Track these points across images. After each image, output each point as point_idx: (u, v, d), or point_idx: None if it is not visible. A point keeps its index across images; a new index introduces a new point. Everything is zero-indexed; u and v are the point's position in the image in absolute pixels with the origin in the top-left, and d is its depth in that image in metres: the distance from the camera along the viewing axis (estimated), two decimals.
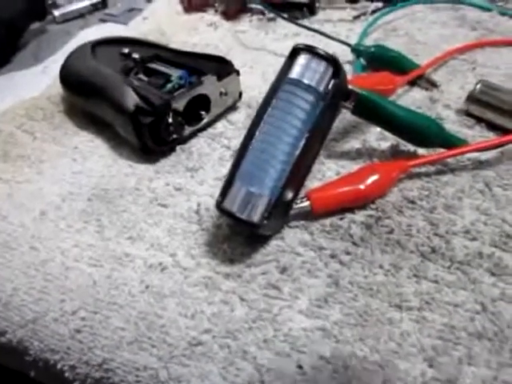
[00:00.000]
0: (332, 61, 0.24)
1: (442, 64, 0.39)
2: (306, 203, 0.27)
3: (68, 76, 0.39)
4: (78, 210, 0.32)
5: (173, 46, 0.47)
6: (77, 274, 0.27)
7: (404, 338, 0.22)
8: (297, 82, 0.24)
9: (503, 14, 0.45)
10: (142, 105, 0.33)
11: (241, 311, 0.24)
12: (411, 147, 0.31)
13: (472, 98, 0.33)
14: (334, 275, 0.25)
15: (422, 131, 0.28)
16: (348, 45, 0.41)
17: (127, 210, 0.31)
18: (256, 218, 0.24)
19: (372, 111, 0.28)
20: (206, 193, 0.31)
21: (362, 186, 0.27)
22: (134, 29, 0.52)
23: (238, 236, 0.28)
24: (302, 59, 0.24)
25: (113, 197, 0.32)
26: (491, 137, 0.32)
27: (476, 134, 0.32)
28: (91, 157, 0.36)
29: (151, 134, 0.33)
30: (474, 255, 0.25)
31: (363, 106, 0.28)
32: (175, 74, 0.36)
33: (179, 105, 0.34)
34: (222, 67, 0.37)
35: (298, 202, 0.27)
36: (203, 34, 0.51)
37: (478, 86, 0.32)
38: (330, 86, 0.24)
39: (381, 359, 0.21)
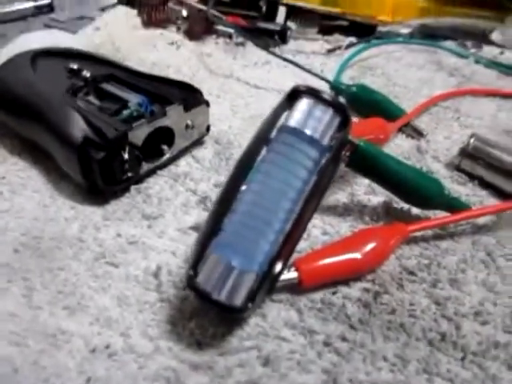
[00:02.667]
0: (340, 108, 0.19)
1: (424, 111, 0.37)
2: (294, 275, 0.22)
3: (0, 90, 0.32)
4: None
5: (129, 63, 0.42)
6: None
7: None
8: (297, 133, 0.19)
9: (477, 62, 0.43)
10: (92, 136, 0.27)
11: None
12: (404, 205, 0.28)
13: (465, 153, 0.30)
14: (330, 370, 0.20)
15: (425, 192, 0.25)
16: (327, 81, 0.38)
17: (66, 269, 0.24)
18: (239, 300, 0.19)
19: (370, 165, 0.24)
20: (166, 248, 0.26)
21: (358, 256, 0.23)
22: (83, 39, 0.46)
23: (208, 311, 0.22)
24: (303, 104, 0.20)
25: (47, 248, 0.26)
26: (484, 195, 0.29)
27: (469, 193, 0.29)
28: (23, 191, 0.29)
29: (102, 171, 0.27)
30: (487, 344, 0.21)
31: (361, 158, 0.24)
32: (133, 99, 0.30)
33: (137, 138, 0.28)
34: (190, 96, 0.31)
35: (285, 272, 0.22)
36: (163, 52, 0.45)
37: (472, 141, 0.30)
38: (336, 139, 0.20)
39: None
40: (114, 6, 0.55)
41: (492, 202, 0.29)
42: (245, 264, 0.19)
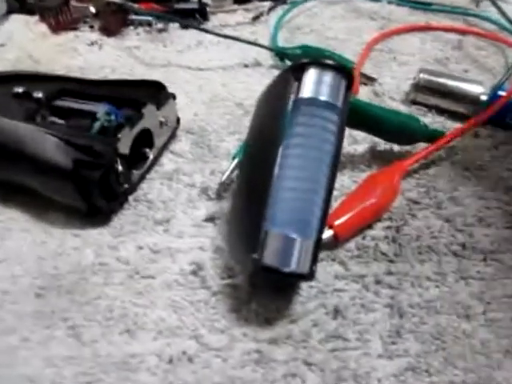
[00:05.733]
0: (344, 71, 0.21)
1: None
2: (330, 232, 0.24)
3: None
4: (26, 313, 0.23)
5: (56, 73, 0.39)
6: None
7: (487, 347, 0.21)
8: (314, 101, 0.20)
9: (390, 2, 0.47)
10: (82, 157, 0.25)
11: (314, 380, 0.20)
12: (386, 145, 0.30)
13: (418, 87, 0.34)
14: (391, 303, 0.23)
15: (409, 130, 0.28)
16: (269, 49, 0.39)
17: (103, 296, 0.24)
18: (306, 267, 0.20)
19: (361, 117, 0.26)
20: (191, 246, 0.26)
21: (375, 200, 0.25)
22: None
23: (261, 289, 0.23)
24: (312, 74, 0.21)
25: (72, 283, 0.24)
26: (443, 121, 0.33)
27: (431, 121, 0.33)
28: (11, 234, 0.27)
29: (101, 190, 0.26)
30: (498, 242, 0.25)
31: (353, 112, 0.25)
32: (99, 109, 0.29)
33: (124, 147, 0.27)
34: (157, 93, 0.31)
35: None
36: (87, 55, 0.43)
37: (422, 75, 0.33)
38: (346, 99, 0.21)
39: (478, 378, 0.20)
40: (4, 16, 0.50)
41: (451, 124, 0.33)
42: (303, 234, 0.20)
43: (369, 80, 0.36)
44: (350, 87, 0.21)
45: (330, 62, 0.21)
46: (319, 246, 0.21)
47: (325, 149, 0.20)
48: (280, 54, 0.38)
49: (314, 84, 0.21)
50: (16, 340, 0.22)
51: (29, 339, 0.22)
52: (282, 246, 0.20)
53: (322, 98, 0.20)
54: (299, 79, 0.21)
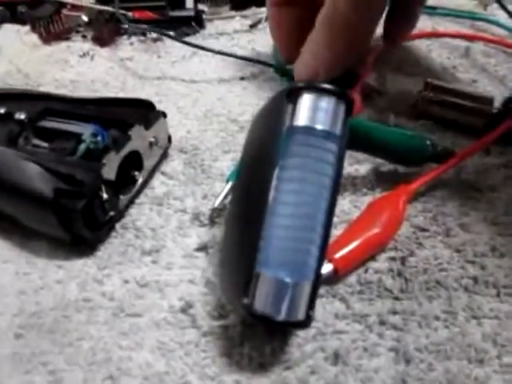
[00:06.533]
0: (342, 94, 0.19)
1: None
2: (329, 267, 0.22)
3: None
4: (4, 357, 0.22)
5: (45, 88, 0.38)
6: None
7: None
8: (310, 131, 0.19)
9: None
10: (63, 186, 0.24)
11: None
12: (390, 166, 0.29)
13: (424, 100, 0.32)
14: (396, 346, 0.21)
15: (414, 151, 0.26)
16: (270, 65, 0.37)
17: (86, 337, 0.22)
18: (302, 313, 0.18)
19: (362, 139, 0.24)
20: (181, 279, 0.24)
21: (379, 230, 0.23)
22: None
23: (253, 329, 0.22)
24: (306, 100, 0.19)
25: (53, 321, 0.23)
26: (451, 136, 0.31)
27: (440, 137, 0.31)
28: None
29: (85, 220, 0.24)
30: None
31: (354, 134, 0.24)
32: (85, 130, 0.27)
33: (110, 173, 0.26)
34: (146, 112, 0.29)
35: None
36: (79, 67, 0.41)
37: (428, 87, 0.31)
38: (345, 124, 0.19)
39: None
40: None
41: (461, 140, 0.31)
42: (299, 276, 0.18)
43: (375, 92, 0.34)
44: (349, 111, 0.19)
45: (327, 86, 0.19)
46: (317, 288, 0.19)
47: (322, 182, 0.18)
48: (280, 70, 0.36)
49: (309, 111, 0.19)
50: None
51: None
52: (274, 290, 0.18)
53: (319, 126, 0.19)
54: (294, 104, 0.19)
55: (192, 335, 0.22)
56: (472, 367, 0.20)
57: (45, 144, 0.27)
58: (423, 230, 0.25)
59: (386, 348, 0.21)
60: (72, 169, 0.24)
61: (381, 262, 0.24)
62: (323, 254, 0.19)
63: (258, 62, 0.37)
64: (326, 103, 0.19)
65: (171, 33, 0.43)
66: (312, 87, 0.19)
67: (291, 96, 0.19)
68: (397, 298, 0.22)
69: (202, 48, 0.38)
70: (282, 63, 0.36)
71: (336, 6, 0.19)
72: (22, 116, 0.28)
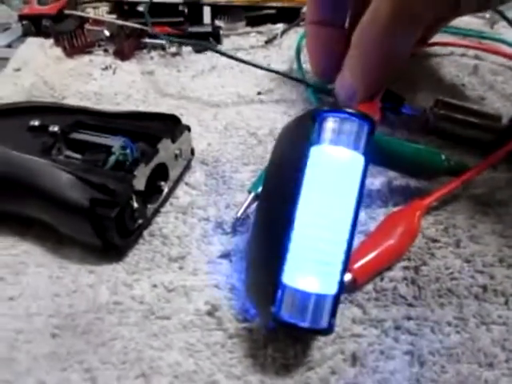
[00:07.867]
0: (364, 115, 0.21)
1: None
2: (348, 276, 0.23)
3: None
4: (42, 355, 0.23)
5: (69, 100, 0.40)
6: None
7: None
8: (334, 151, 0.20)
9: None
10: (98, 196, 0.25)
11: None
12: (403, 180, 0.30)
13: (435, 117, 0.33)
14: (411, 350, 0.22)
15: (430, 165, 0.27)
16: (306, 84, 0.38)
17: (118, 337, 0.24)
18: (324, 321, 0.20)
19: (381, 154, 0.26)
20: (205, 284, 0.26)
21: (395, 242, 0.25)
22: (9, 86, 0.42)
23: (277, 332, 0.23)
24: (330, 123, 0.20)
25: (87, 323, 0.24)
26: (463, 151, 0.32)
27: (452, 152, 0.32)
28: (26, 270, 0.27)
29: (117, 227, 0.26)
30: None
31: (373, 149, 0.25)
32: (115, 143, 0.29)
33: (140, 183, 0.27)
34: (172, 126, 0.31)
35: None
36: (101, 80, 0.43)
37: (439, 106, 0.33)
38: (368, 143, 0.21)
39: None
40: (20, 39, 0.50)
41: (471, 157, 0.32)
42: (323, 288, 0.20)
43: (396, 101, 0.35)
44: (372, 132, 0.21)
45: (350, 109, 0.20)
46: (339, 298, 0.20)
47: (347, 198, 0.20)
48: (311, 86, 0.37)
49: (333, 134, 0.20)
50: (32, 383, 0.22)
51: (45, 382, 0.22)
52: (299, 300, 0.20)
53: (344, 147, 0.20)
54: (320, 126, 0.21)
55: (218, 337, 0.23)
56: (482, 370, 0.21)
57: (76, 155, 0.29)
58: (435, 241, 0.27)
59: (402, 351, 0.22)
60: (104, 179, 0.26)
61: (396, 271, 0.25)
62: (346, 266, 0.20)
63: (293, 78, 0.38)
64: (350, 125, 0.20)
65: (188, 48, 0.45)
66: (336, 111, 0.20)
67: (316, 117, 0.21)
68: (411, 305, 0.24)
69: (237, 59, 0.39)
70: (318, 83, 0.36)
71: (377, 16, 0.20)
72: (56, 128, 0.29)
